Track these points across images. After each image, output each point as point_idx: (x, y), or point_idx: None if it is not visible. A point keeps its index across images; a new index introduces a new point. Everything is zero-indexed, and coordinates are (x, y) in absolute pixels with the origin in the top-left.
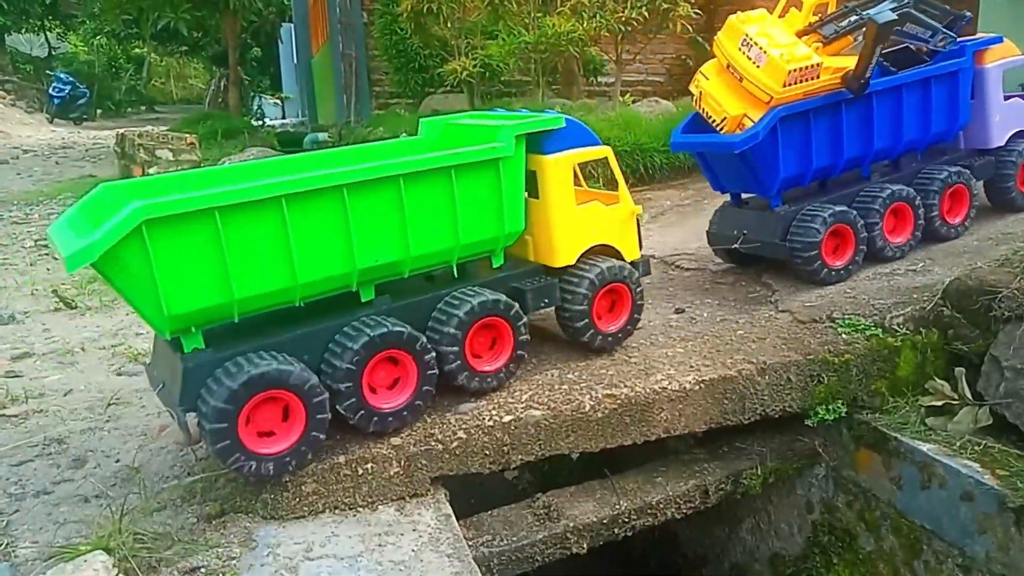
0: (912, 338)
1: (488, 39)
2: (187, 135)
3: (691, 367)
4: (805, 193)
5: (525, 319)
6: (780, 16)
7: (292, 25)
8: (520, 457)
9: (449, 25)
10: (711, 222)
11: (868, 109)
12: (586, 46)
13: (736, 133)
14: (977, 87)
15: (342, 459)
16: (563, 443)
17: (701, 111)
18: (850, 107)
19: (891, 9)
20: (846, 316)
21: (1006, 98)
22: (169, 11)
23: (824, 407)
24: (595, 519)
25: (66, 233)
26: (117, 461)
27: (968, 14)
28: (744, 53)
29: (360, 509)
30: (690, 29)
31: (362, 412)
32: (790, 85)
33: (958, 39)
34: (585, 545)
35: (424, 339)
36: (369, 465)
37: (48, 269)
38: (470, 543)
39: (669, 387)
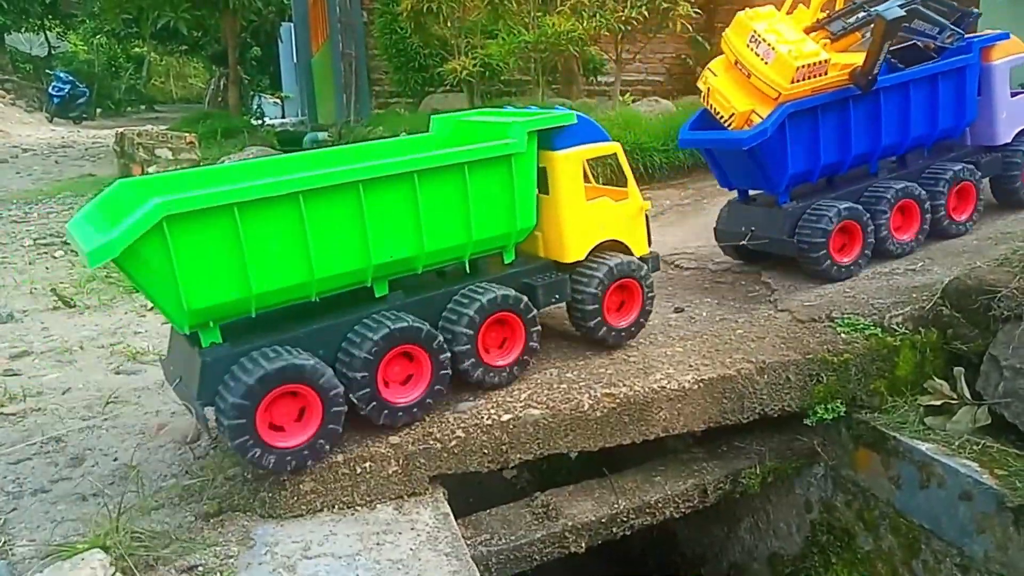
0: (911, 337)
1: (488, 38)
2: (187, 134)
3: (690, 366)
4: (813, 190)
5: (536, 314)
6: (788, 13)
7: (292, 24)
8: (519, 456)
9: (449, 24)
10: (718, 219)
11: (876, 105)
12: (586, 45)
13: (744, 129)
14: (984, 84)
15: (340, 458)
16: (562, 442)
17: (709, 107)
18: (858, 103)
19: (899, 5)
20: (845, 315)
21: (1013, 94)
22: (169, 10)
23: (823, 406)
24: (594, 518)
25: (85, 229)
26: (115, 459)
27: (976, 10)
28: (752, 50)
29: (358, 508)
30: (690, 28)
31: (374, 403)
32: (798, 81)
33: (965, 35)
34: (584, 544)
35: (441, 339)
36: (367, 464)
37: (47, 268)
38: (468, 542)
39: (668, 386)
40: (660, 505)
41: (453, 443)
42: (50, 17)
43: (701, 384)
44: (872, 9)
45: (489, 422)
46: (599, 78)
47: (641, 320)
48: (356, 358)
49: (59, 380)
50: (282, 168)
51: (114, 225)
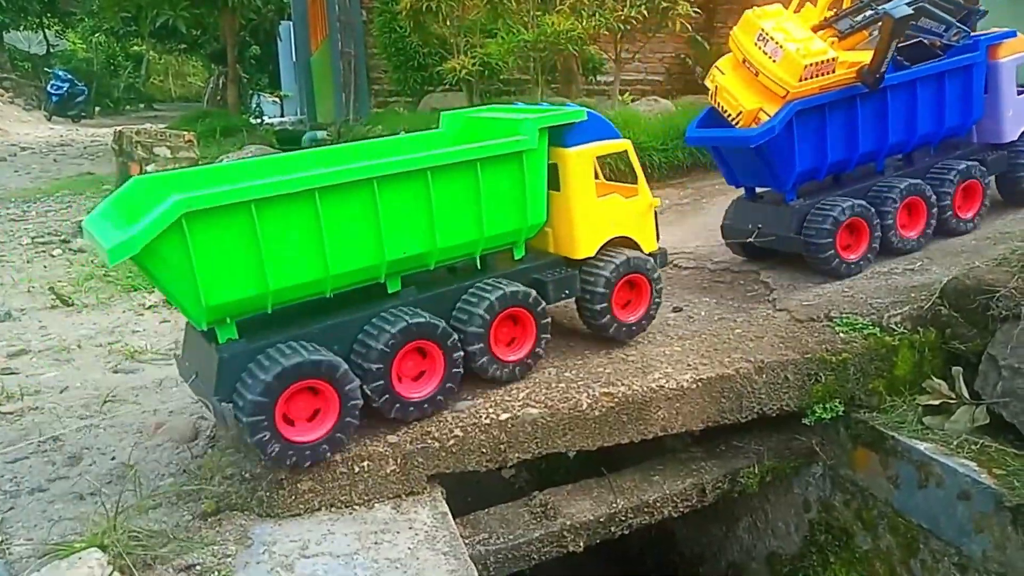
0: (910, 337)
1: (487, 37)
2: (185, 133)
3: (689, 365)
4: (820, 187)
5: (545, 308)
6: (795, 11)
7: (291, 23)
8: (517, 455)
9: (448, 23)
10: (725, 216)
11: (883, 103)
12: (585, 44)
13: (752, 127)
14: (990, 82)
15: (338, 457)
16: (560, 441)
17: (716, 105)
18: (865, 101)
19: (906, 3)
20: (844, 315)
21: (1019, 92)
22: (168, 9)
23: (821, 406)
24: (592, 517)
25: (103, 226)
26: (112, 458)
27: (983, 9)
28: (760, 48)
29: (356, 507)
30: (689, 28)
31: (387, 396)
32: (806, 79)
33: (972, 34)
34: (582, 543)
35: (456, 337)
36: (365, 463)
37: (45, 266)
38: (467, 541)
39: (667, 385)
40: (658, 504)
41: (451, 442)
42: (49, 15)
43: (699, 383)
44: (879, 7)
45: (487, 421)
46: (598, 77)
47: (651, 313)
48: (373, 349)
49: (57, 379)
50: (296, 165)
51: (131, 222)
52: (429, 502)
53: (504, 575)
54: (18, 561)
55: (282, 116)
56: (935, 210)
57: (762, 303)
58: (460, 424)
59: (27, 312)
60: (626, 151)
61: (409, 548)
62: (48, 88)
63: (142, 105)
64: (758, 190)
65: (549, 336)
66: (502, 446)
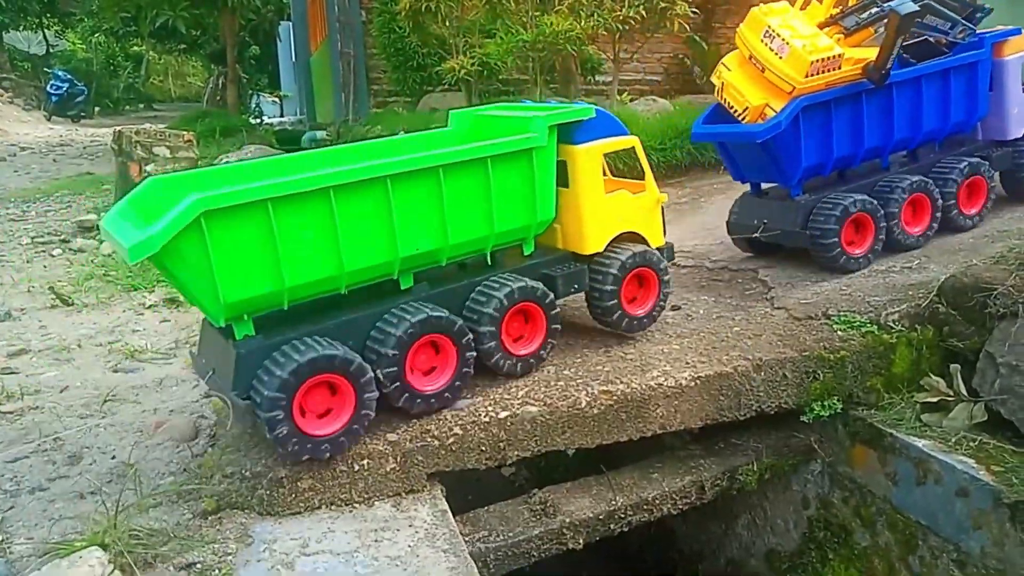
0: (908, 335)
1: (486, 38)
2: (185, 133)
3: (687, 363)
4: (825, 183)
5: (554, 301)
6: (802, 8)
7: (290, 23)
8: (516, 453)
9: (447, 24)
10: (731, 211)
11: (888, 100)
12: (584, 45)
13: (758, 123)
14: (996, 79)
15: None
16: (559, 439)
17: (723, 101)
18: (871, 98)
19: (912, 0)
20: (842, 313)
21: None
22: (167, 9)
23: (820, 403)
24: (591, 515)
25: (122, 225)
26: (113, 457)
27: (988, 7)
28: (766, 44)
29: (356, 505)
30: (687, 28)
31: (398, 383)
32: (812, 76)
33: (977, 31)
34: (581, 541)
35: (470, 337)
36: (365, 461)
37: (44, 266)
38: (466, 539)
39: (665, 383)
40: (657, 502)
41: (451, 440)
42: (48, 15)
43: (698, 381)
44: (885, 4)
45: (487, 419)
46: (597, 77)
47: (661, 305)
48: (391, 336)
49: (57, 378)
50: (308, 165)
51: (148, 221)
52: (429, 500)
53: (504, 572)
54: (19, 560)
55: (281, 116)
56: (940, 206)
57: (760, 301)
58: (459, 422)
59: (27, 312)
60: (633, 148)
61: (409, 546)
62: (48, 88)
63: (142, 105)
64: (764, 186)
65: (560, 326)
66: (501, 444)
